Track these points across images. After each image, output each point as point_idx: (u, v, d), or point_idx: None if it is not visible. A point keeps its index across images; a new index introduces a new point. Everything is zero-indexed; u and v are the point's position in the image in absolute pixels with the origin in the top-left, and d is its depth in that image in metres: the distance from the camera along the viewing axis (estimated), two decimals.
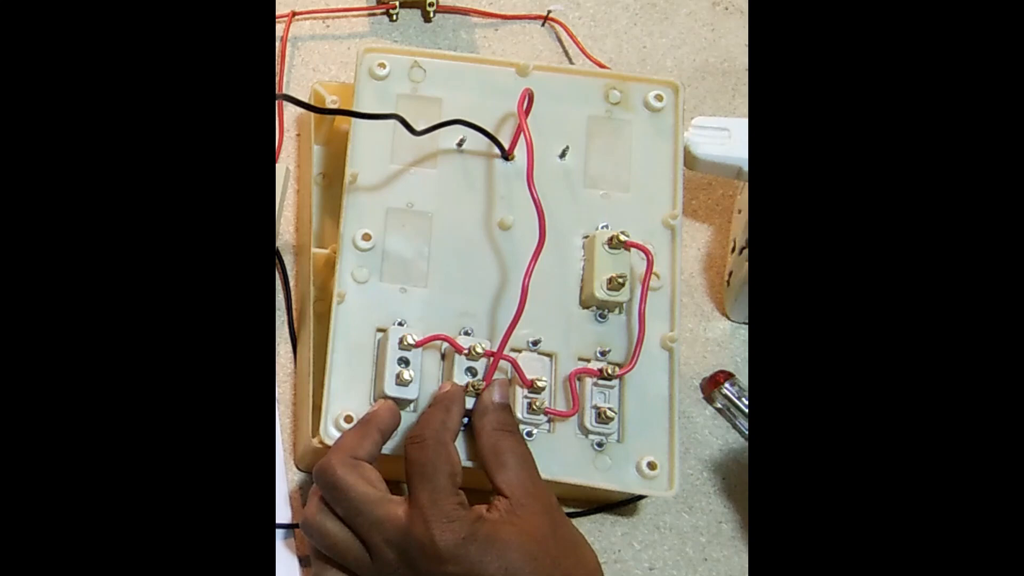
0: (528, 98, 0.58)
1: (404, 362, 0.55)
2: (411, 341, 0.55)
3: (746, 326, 0.65)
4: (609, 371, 0.56)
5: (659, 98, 0.61)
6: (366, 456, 0.52)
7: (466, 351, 0.54)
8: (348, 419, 0.54)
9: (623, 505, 0.60)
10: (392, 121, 0.58)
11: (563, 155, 0.60)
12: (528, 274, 0.54)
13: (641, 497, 0.60)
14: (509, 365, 0.55)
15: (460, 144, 0.60)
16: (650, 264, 0.57)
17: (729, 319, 0.65)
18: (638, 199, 0.60)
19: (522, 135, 0.58)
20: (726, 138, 0.61)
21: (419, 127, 0.58)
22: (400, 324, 0.56)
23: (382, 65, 0.61)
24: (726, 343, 0.65)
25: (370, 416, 0.54)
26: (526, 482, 0.51)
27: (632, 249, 0.57)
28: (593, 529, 0.59)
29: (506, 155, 0.59)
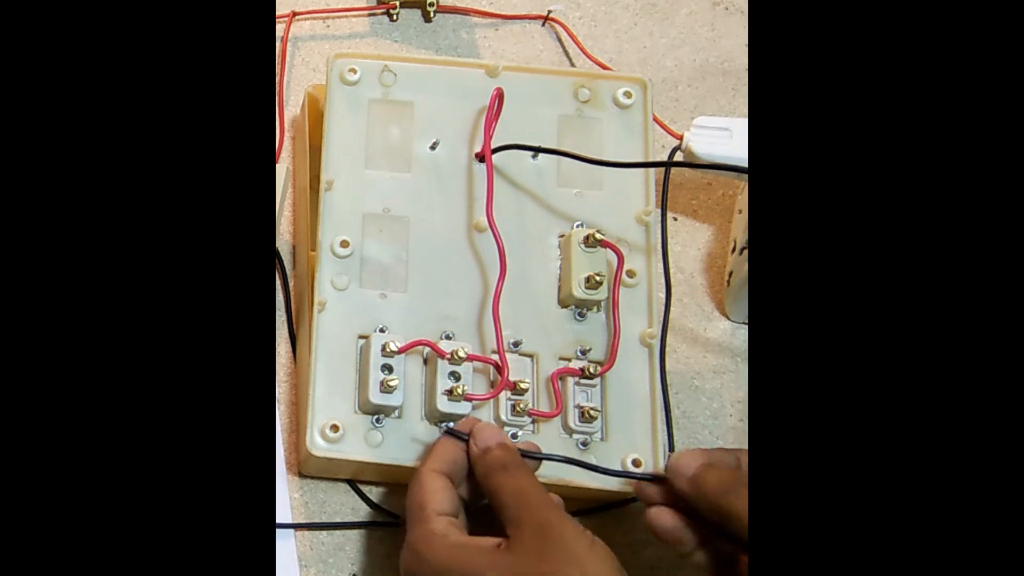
0: (498, 99, 0.58)
1: (387, 369, 0.55)
2: (394, 348, 0.55)
3: (746, 326, 0.65)
4: (591, 370, 0.56)
5: (628, 95, 0.62)
6: (450, 508, 0.52)
7: (448, 355, 0.55)
8: (334, 428, 0.54)
9: (623, 505, 0.60)
10: (365, 126, 0.59)
11: (536, 155, 0.60)
12: (497, 298, 0.55)
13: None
14: (492, 367, 0.55)
15: (433, 147, 0.60)
16: (621, 263, 0.57)
17: (729, 319, 0.65)
18: (611, 197, 0.60)
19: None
20: (727, 138, 0.62)
21: (392, 131, 0.59)
22: (381, 331, 0.56)
23: (353, 71, 0.61)
24: (726, 343, 0.65)
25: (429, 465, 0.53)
26: (517, 513, 0.49)
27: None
28: (593, 529, 0.59)
29: (481, 158, 0.60)
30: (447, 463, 0.52)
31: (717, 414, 0.63)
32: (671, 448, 0.60)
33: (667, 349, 0.59)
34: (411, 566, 0.49)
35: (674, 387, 0.62)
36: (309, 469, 0.57)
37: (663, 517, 0.52)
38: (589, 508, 0.59)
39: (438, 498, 0.51)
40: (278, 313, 0.63)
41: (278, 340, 0.62)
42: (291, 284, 0.64)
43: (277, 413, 0.60)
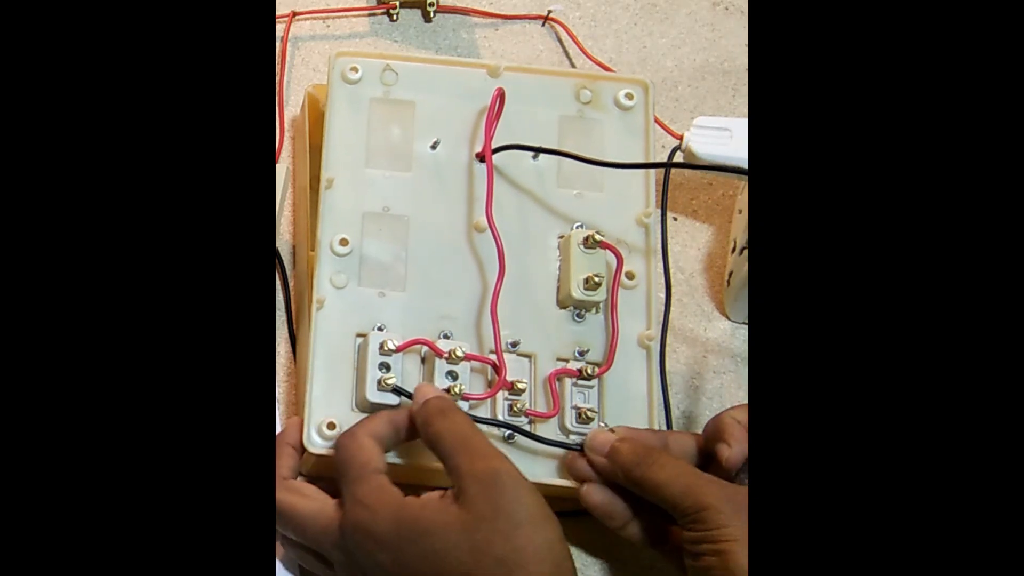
0: (499, 100, 0.58)
1: (385, 367, 0.55)
2: (391, 346, 0.55)
3: (746, 326, 0.65)
4: (588, 371, 0.56)
5: (629, 96, 0.62)
6: (290, 472, 0.54)
7: (446, 355, 0.55)
8: (331, 426, 0.54)
9: None
10: (366, 124, 0.59)
11: (536, 155, 0.60)
12: (495, 298, 0.55)
13: None
14: (489, 367, 0.56)
15: (434, 147, 0.60)
16: (620, 264, 0.57)
17: (729, 319, 0.65)
18: (611, 198, 0.60)
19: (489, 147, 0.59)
20: (727, 138, 0.62)
21: (392, 130, 0.59)
22: (380, 329, 0.56)
23: (354, 69, 0.61)
24: (726, 343, 0.65)
25: (279, 435, 0.55)
26: (462, 462, 0.49)
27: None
28: (591, 528, 0.59)
29: (481, 158, 0.60)
30: (381, 431, 0.52)
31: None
32: None
33: (667, 349, 0.59)
34: (362, 521, 0.49)
35: (674, 387, 0.62)
36: (307, 468, 0.57)
37: (593, 493, 0.53)
38: (586, 511, 0.59)
39: (379, 458, 0.51)
40: (278, 313, 0.63)
41: (278, 340, 0.62)
42: (291, 284, 0.64)
43: (277, 413, 0.60)
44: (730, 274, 0.65)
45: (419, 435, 0.52)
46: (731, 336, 0.65)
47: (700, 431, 0.62)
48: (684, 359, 0.64)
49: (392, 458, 0.54)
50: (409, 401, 0.54)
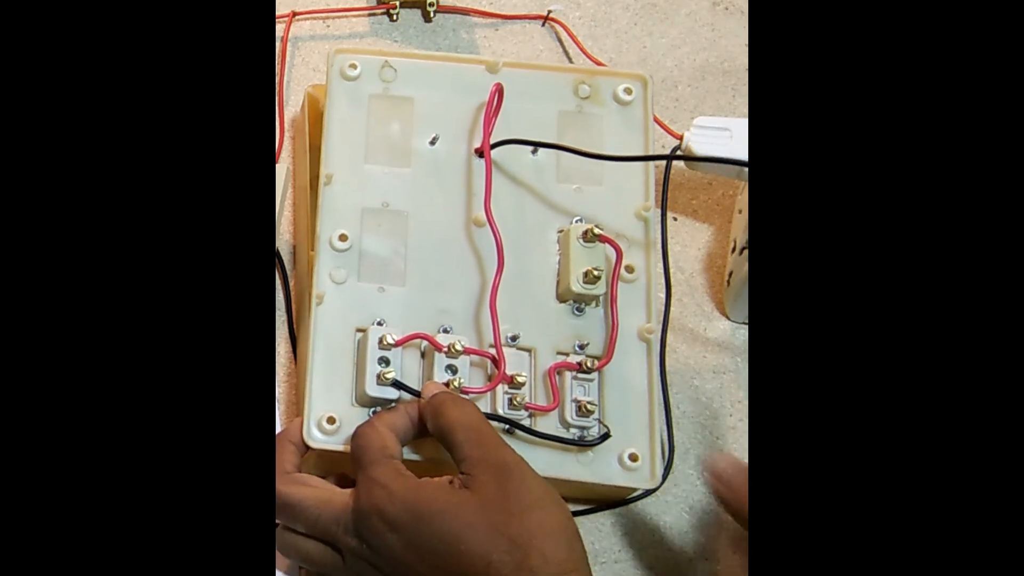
0: (498, 95, 0.59)
1: (385, 362, 0.55)
2: (391, 341, 0.55)
3: (746, 326, 0.65)
4: (588, 364, 0.56)
5: (628, 91, 0.62)
6: (292, 468, 0.54)
7: (445, 349, 0.55)
8: (331, 421, 0.55)
9: (623, 504, 0.60)
10: (365, 121, 0.59)
11: (535, 150, 0.60)
12: (494, 292, 0.56)
13: (640, 497, 0.60)
14: (489, 361, 0.56)
15: (433, 142, 0.60)
16: (619, 258, 0.57)
17: (729, 319, 0.65)
18: (611, 192, 0.60)
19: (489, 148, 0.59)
20: (727, 138, 0.62)
21: (392, 126, 0.60)
22: (379, 324, 0.57)
23: (353, 66, 0.61)
24: (726, 343, 0.65)
25: (280, 433, 0.55)
26: (473, 451, 0.50)
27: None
28: (593, 529, 0.59)
29: (480, 153, 0.60)
30: (398, 423, 0.53)
31: (717, 414, 0.63)
32: (671, 449, 0.60)
33: (667, 349, 0.59)
34: (378, 501, 0.49)
35: (674, 387, 0.62)
36: (307, 467, 0.57)
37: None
38: (588, 509, 0.59)
39: (395, 445, 0.52)
40: (278, 313, 0.63)
41: (278, 340, 0.62)
42: (291, 284, 0.64)
43: (277, 413, 0.60)
44: (730, 274, 0.65)
45: (429, 427, 0.53)
46: (731, 336, 0.65)
47: (698, 428, 0.63)
48: (684, 358, 0.64)
49: (405, 454, 0.54)
50: (409, 396, 0.54)
